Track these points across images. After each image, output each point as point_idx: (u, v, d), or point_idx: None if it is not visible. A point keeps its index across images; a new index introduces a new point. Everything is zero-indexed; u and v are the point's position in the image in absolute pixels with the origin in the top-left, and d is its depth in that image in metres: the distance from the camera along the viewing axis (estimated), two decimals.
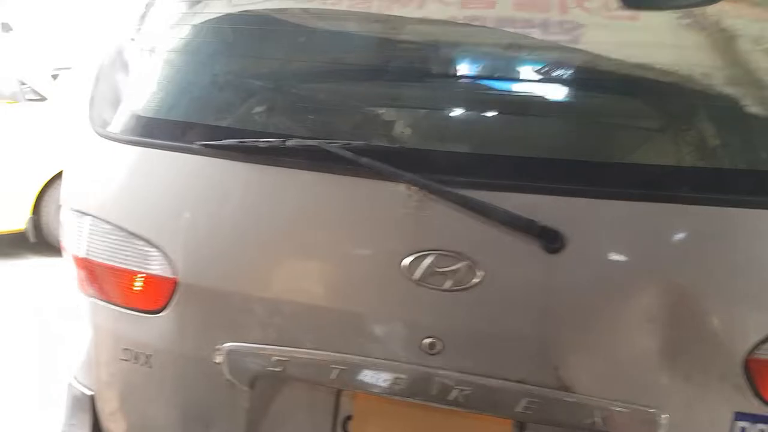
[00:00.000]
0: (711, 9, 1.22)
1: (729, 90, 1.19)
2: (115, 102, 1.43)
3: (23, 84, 4.90)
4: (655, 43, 1.23)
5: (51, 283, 4.51)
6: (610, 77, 1.24)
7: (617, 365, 1.14)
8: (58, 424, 1.59)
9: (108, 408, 1.48)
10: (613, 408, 1.13)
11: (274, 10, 1.44)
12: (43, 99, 4.96)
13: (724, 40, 1.22)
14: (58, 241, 5.38)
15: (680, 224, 1.11)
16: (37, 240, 4.96)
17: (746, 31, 1.21)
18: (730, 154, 1.20)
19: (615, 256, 1.13)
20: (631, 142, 1.23)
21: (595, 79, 1.26)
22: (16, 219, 4.81)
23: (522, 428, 1.23)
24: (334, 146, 1.17)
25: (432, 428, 1.27)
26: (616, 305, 1.13)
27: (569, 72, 1.27)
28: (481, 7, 1.29)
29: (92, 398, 1.50)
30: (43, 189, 4.94)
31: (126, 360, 1.40)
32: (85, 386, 1.53)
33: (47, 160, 4.96)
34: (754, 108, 1.19)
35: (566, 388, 1.15)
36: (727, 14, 1.21)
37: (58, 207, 5.50)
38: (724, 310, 1.10)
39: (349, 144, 1.18)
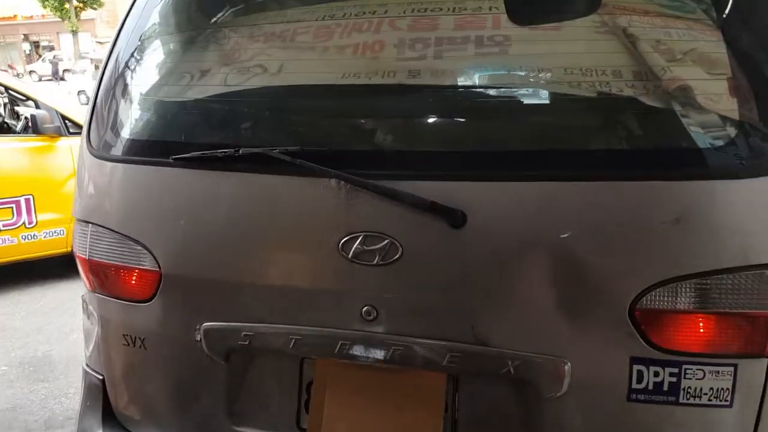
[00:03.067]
0: (621, 19, 1.38)
1: (628, 86, 1.34)
2: (106, 127, 1.68)
3: (65, 119, 5.30)
4: (575, 49, 1.41)
5: None
6: (507, 85, 1.46)
7: (523, 321, 1.32)
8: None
9: (115, 389, 1.73)
10: (523, 357, 1.30)
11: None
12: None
13: (631, 43, 1.38)
14: None
15: (566, 199, 1.28)
16: None
17: (647, 35, 1.37)
18: (612, 137, 1.36)
19: (509, 227, 1.30)
20: (521, 133, 1.41)
21: (484, 87, 1.47)
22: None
23: (455, 380, 1.41)
24: (275, 152, 1.38)
25: (380, 386, 1.46)
26: (517, 270, 1.31)
27: (455, 80, 1.50)
28: (426, 28, 1.49)
29: (103, 381, 1.75)
30: None
31: (126, 344, 1.64)
32: (95, 371, 1.78)
33: None
34: (645, 98, 1.33)
35: (482, 343, 1.33)
36: (632, 22, 1.38)
37: None
38: (607, 269, 1.27)
39: (287, 149, 1.39)
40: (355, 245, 1.35)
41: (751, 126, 1.26)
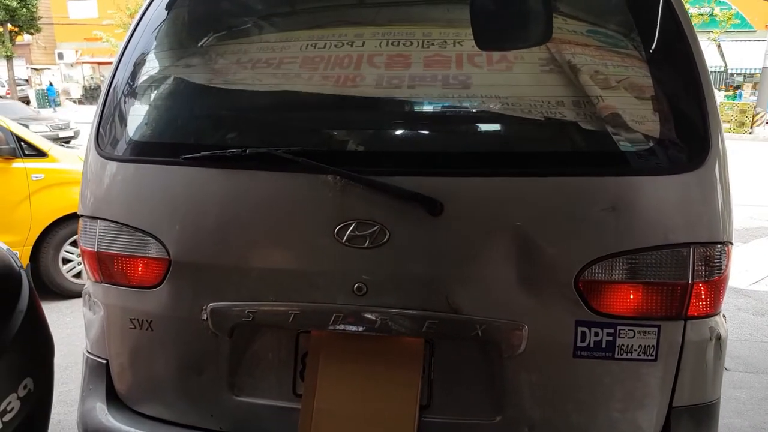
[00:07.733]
0: (565, 54, 1.70)
1: (567, 111, 1.65)
2: (114, 132, 1.87)
3: (20, 140, 5.32)
4: (522, 83, 1.73)
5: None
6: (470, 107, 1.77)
7: (489, 292, 1.59)
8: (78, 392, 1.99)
9: (119, 370, 1.89)
10: (489, 322, 1.57)
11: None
12: (42, 154, 5.38)
13: (573, 74, 1.70)
14: (55, 285, 5.65)
15: (525, 192, 1.58)
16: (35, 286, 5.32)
17: (586, 67, 1.69)
18: (560, 144, 1.67)
19: (478, 214, 1.58)
20: (490, 139, 1.74)
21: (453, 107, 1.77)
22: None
23: (432, 344, 1.66)
24: (279, 151, 1.62)
25: (367, 352, 1.69)
26: (483, 249, 1.59)
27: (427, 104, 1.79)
28: (400, 67, 1.77)
29: (106, 365, 1.91)
30: (39, 238, 5.34)
31: (133, 328, 1.81)
32: (98, 356, 1.93)
33: (45, 212, 5.37)
34: (583, 122, 1.66)
35: (455, 311, 1.59)
36: (574, 55, 1.70)
37: (55, 253, 5.75)
38: (557, 248, 1.57)
39: (289, 149, 1.63)
40: (348, 231, 1.59)
41: (669, 136, 1.59)
